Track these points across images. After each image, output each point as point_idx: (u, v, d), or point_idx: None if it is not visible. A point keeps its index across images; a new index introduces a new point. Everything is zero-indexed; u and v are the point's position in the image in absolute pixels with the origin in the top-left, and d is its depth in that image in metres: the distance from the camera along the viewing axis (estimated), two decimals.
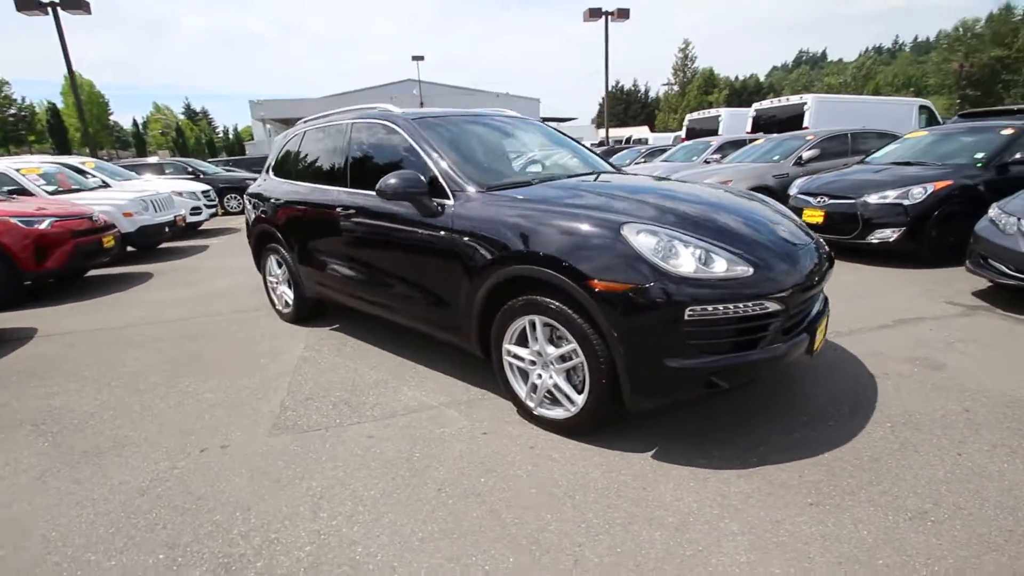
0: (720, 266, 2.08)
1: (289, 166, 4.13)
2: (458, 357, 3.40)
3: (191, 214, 9.50)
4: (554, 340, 2.39)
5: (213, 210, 10.46)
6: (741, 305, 2.02)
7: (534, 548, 1.80)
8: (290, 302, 4.28)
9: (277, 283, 4.38)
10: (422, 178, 2.76)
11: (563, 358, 2.34)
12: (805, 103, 11.63)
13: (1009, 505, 1.90)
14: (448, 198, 2.74)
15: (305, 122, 4.22)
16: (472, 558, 1.77)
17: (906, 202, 5.03)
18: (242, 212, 14.14)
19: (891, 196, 5.14)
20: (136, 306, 5.18)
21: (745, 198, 2.93)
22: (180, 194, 9.46)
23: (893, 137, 7.65)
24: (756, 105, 13.21)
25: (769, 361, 2.13)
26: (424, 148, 2.94)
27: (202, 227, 10.93)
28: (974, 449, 2.24)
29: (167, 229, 7.94)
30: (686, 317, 1.99)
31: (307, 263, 3.85)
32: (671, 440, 2.38)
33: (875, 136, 7.84)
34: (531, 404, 2.54)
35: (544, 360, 2.43)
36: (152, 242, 8.15)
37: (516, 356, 2.54)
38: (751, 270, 2.09)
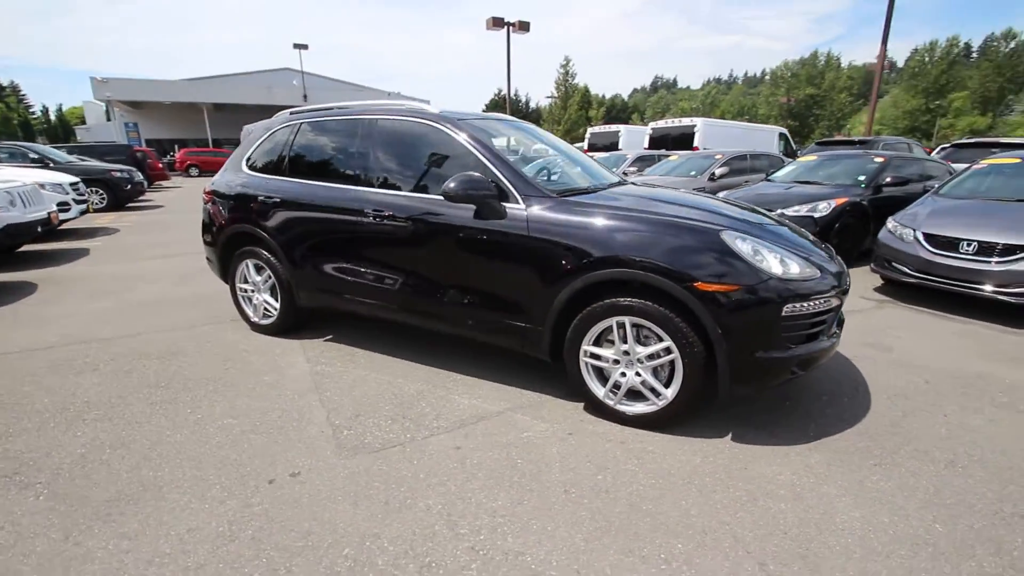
0: (795, 268, 2.40)
1: (277, 161, 3.72)
2: (492, 361, 3.38)
3: (59, 210, 7.89)
4: (640, 339, 2.54)
5: (84, 206, 8.76)
6: (818, 301, 2.36)
7: (691, 532, 1.93)
8: (273, 312, 3.85)
9: (254, 291, 3.91)
10: (491, 181, 2.74)
11: (651, 356, 2.50)
12: (695, 125, 13.16)
13: (999, 449, 2.47)
14: (516, 202, 2.74)
15: (294, 114, 3.84)
16: (644, 550, 1.84)
17: (815, 215, 6.03)
18: (108, 209, 12.13)
19: (803, 210, 6.12)
20: (45, 324, 4.24)
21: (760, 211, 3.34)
22: (43, 186, 7.81)
23: (777, 158, 9.02)
24: (652, 124, 14.71)
25: (828, 350, 2.51)
26: (482, 151, 2.90)
27: (65, 227, 9.12)
28: (951, 411, 2.85)
29: (39, 229, 6.53)
30: (784, 313, 2.27)
31: (309, 268, 3.52)
32: (738, 426, 2.66)
33: (765, 157, 9.18)
34: (610, 402, 2.65)
35: (630, 359, 2.56)
36: (15, 244, 6.65)
37: (596, 356, 2.64)
38: (818, 272, 2.44)
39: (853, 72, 64.29)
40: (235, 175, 3.94)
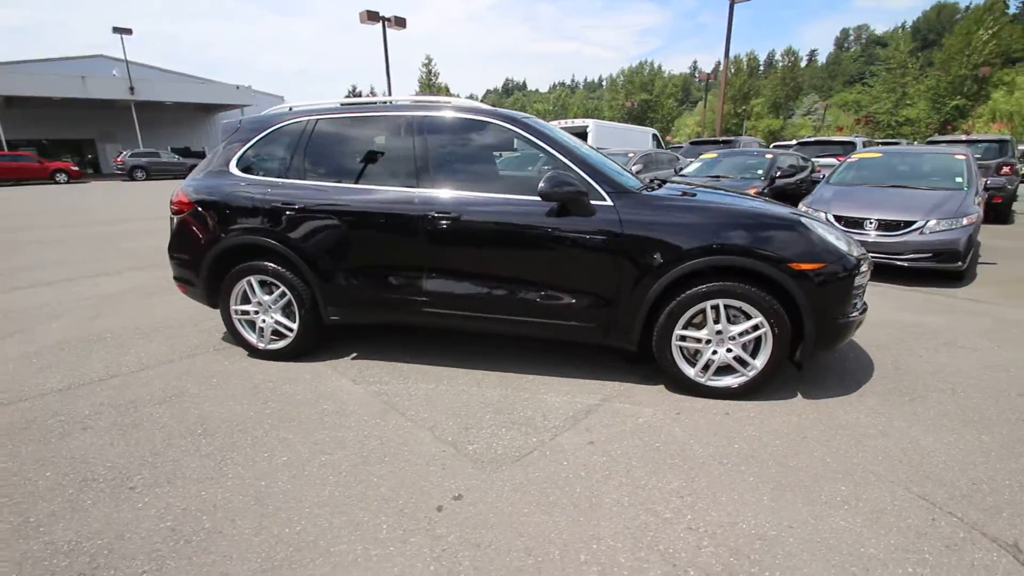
0: (844, 246, 2.85)
1: (287, 163, 3.27)
2: (544, 359, 3.41)
3: None
4: (730, 319, 2.81)
5: None
6: (864, 272, 2.85)
7: (841, 475, 2.24)
8: (287, 334, 3.40)
9: (260, 312, 3.40)
10: (578, 179, 2.79)
11: (742, 333, 2.78)
12: (588, 125, 14.13)
13: (974, 374, 3.22)
14: (602, 199, 2.83)
15: (297, 109, 3.41)
16: (822, 496, 2.10)
17: None
18: None
19: None
20: None
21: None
22: None
23: (673, 155, 10.15)
24: (552, 123, 15.44)
25: (865, 314, 3.03)
26: (559, 150, 2.93)
27: None
28: (923, 352, 3.61)
29: None
30: (855, 284, 2.70)
31: (346, 281, 3.19)
32: (798, 388, 3.07)
33: (665, 154, 10.27)
34: (701, 380, 2.89)
35: (721, 337, 2.82)
36: None
37: (690, 339, 2.85)
38: (855, 250, 2.94)
39: (676, 80, 73.90)
40: (223, 179, 3.37)
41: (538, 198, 2.88)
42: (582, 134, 14.02)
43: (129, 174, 24.89)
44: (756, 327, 2.75)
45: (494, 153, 3.09)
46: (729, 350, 2.83)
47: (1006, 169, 8.69)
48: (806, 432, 2.58)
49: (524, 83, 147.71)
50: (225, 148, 3.45)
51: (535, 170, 3.23)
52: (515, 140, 3.06)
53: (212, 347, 3.73)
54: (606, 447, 2.47)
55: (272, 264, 3.27)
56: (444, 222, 2.97)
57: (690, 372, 2.90)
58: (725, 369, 2.88)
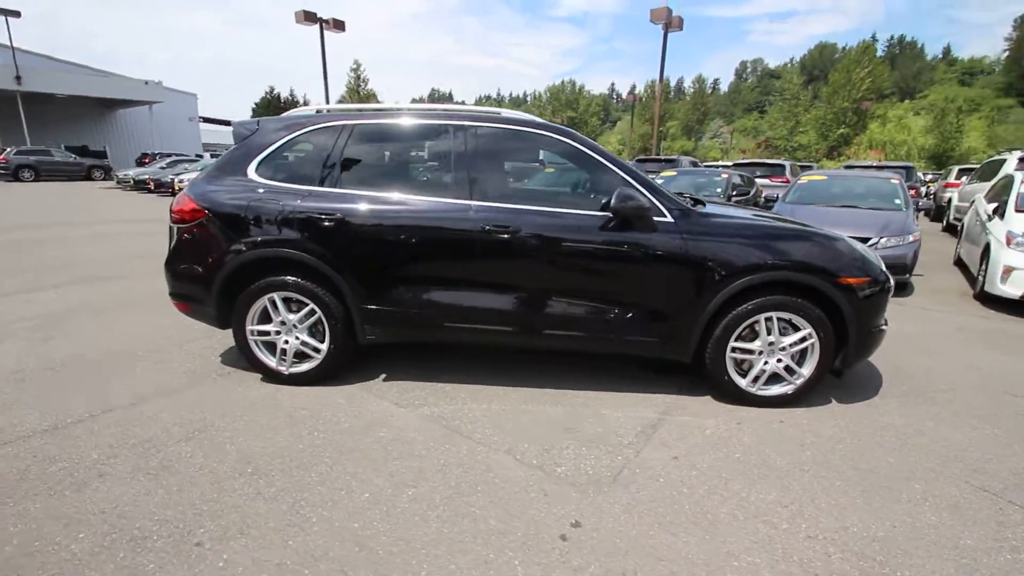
0: (879, 263, 3.09)
1: (320, 170, 3.01)
2: (585, 374, 3.38)
3: None
4: (780, 330, 2.94)
5: None
6: (892, 287, 3.11)
7: (911, 472, 2.41)
8: (315, 355, 3.10)
9: (282, 332, 3.08)
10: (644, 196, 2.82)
11: (793, 344, 2.93)
12: None
13: (978, 372, 3.62)
14: (663, 216, 2.87)
15: (327, 112, 3.15)
16: (915, 493, 2.25)
17: None
18: None
19: None
20: None
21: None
22: None
23: None
24: None
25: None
26: (619, 166, 2.94)
27: None
28: (925, 357, 4.00)
29: None
30: (888, 297, 2.95)
31: (391, 297, 2.98)
32: (824, 395, 3.26)
33: None
34: (751, 389, 3.00)
35: (772, 348, 2.95)
36: None
37: (743, 350, 2.96)
38: (883, 266, 3.20)
39: (598, 100, 77.51)
40: (242, 186, 3.03)
41: (596, 212, 2.89)
42: None
43: (14, 174, 21.69)
44: (804, 338, 2.91)
45: (539, 168, 3.04)
46: (779, 360, 2.97)
47: (912, 192, 9.96)
48: (859, 436, 2.76)
49: (450, 94, 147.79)
50: (241, 151, 3.11)
51: (578, 187, 3.22)
52: (567, 153, 3.04)
53: (215, 372, 3.33)
54: (691, 461, 2.49)
55: (300, 280, 2.98)
56: (502, 236, 2.87)
57: (742, 383, 3.00)
58: (772, 378, 3.02)
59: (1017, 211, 5.54)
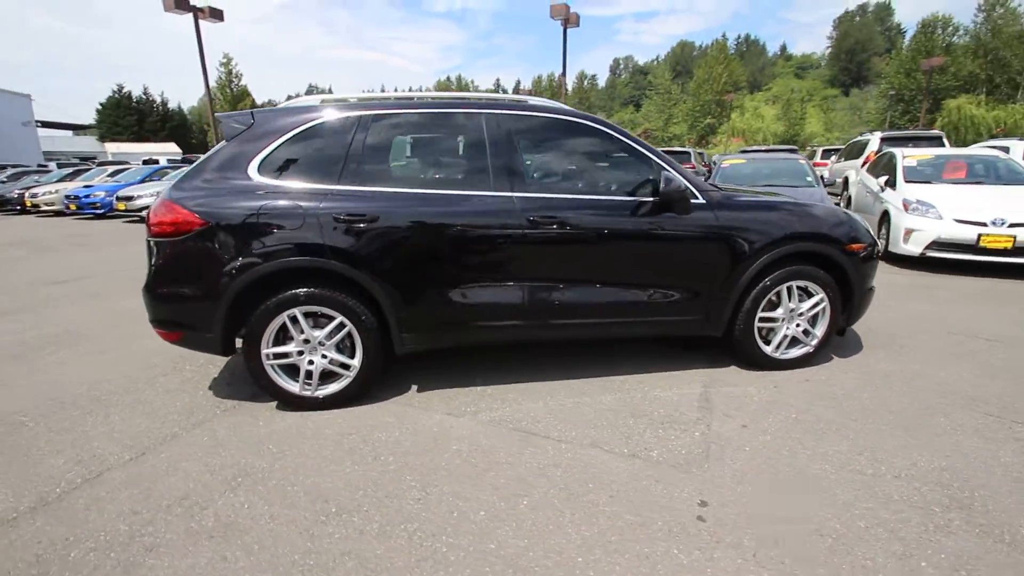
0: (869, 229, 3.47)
1: (334, 166, 2.68)
2: (610, 356, 3.42)
3: None
4: (798, 298, 3.19)
5: None
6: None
7: (936, 411, 2.75)
8: (345, 374, 2.79)
9: (306, 352, 2.72)
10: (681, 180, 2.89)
11: (810, 308, 3.19)
12: None
13: (950, 328, 4.21)
14: (697, 198, 2.97)
15: (333, 102, 2.81)
16: (947, 425, 2.57)
17: None
18: None
19: None
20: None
21: None
22: None
23: None
24: None
25: None
26: (649, 152, 2.98)
27: None
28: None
29: None
30: (877, 258, 3.33)
31: (430, 300, 2.76)
32: (824, 354, 3.60)
33: None
34: (776, 355, 3.23)
35: (792, 315, 3.19)
36: None
37: (768, 319, 3.17)
38: None
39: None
40: (243, 187, 2.61)
41: (636, 198, 2.93)
42: None
43: None
44: (818, 303, 3.19)
45: (586, 153, 3.00)
46: (798, 325, 3.23)
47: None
48: (874, 384, 3.08)
49: (330, 89, 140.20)
50: (236, 149, 2.68)
51: (612, 173, 3.21)
52: (598, 140, 3.02)
53: (215, 407, 2.86)
54: (759, 427, 2.62)
55: (326, 291, 2.66)
56: (549, 226, 2.79)
57: (768, 349, 3.22)
58: (791, 342, 3.28)
59: (907, 182, 6.54)
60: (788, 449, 2.42)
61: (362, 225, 2.63)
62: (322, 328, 2.72)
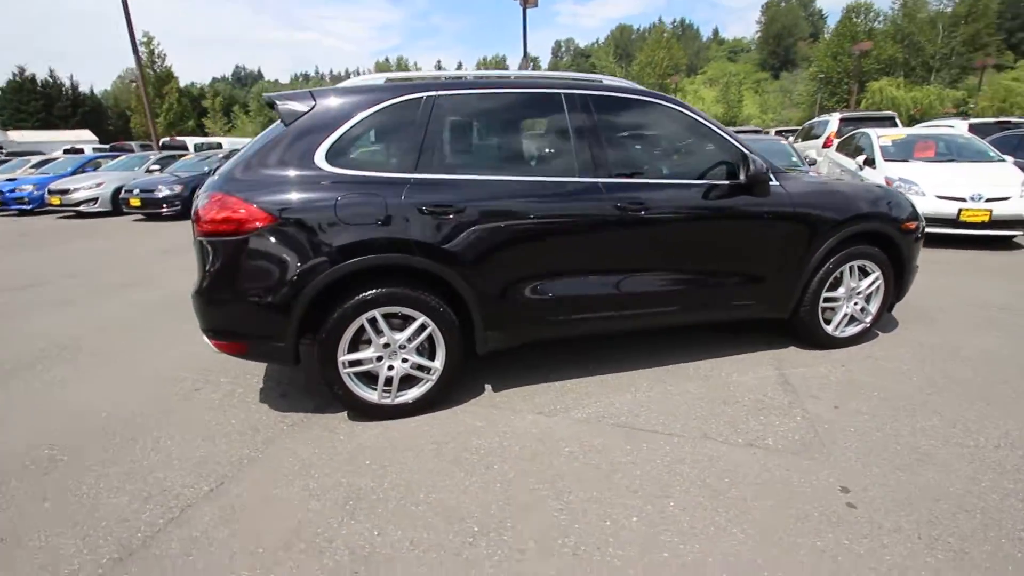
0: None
1: (410, 152, 2.42)
2: (666, 344, 3.39)
3: None
4: (853, 278, 3.26)
5: None
6: None
7: (998, 382, 2.89)
8: (424, 375, 2.58)
9: (385, 356, 2.49)
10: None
11: (868, 286, 3.27)
12: None
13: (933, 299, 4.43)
14: (771, 180, 2.94)
15: (398, 81, 2.53)
16: (1017, 390, 2.70)
17: None
18: None
19: None
20: None
21: None
22: None
23: None
24: None
25: None
26: (728, 135, 2.90)
27: None
28: None
29: None
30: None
31: (520, 294, 2.59)
32: (870, 332, 3.73)
33: None
34: (836, 333, 3.30)
35: (852, 293, 3.26)
36: None
37: (831, 299, 3.22)
38: None
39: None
40: (313, 178, 2.32)
41: (717, 182, 2.88)
42: None
43: None
44: (874, 280, 3.28)
45: (669, 135, 2.92)
46: (856, 303, 3.30)
47: None
48: (931, 358, 3.18)
49: (260, 71, 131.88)
50: (298, 136, 2.36)
51: (689, 156, 3.12)
52: (676, 122, 2.92)
53: (283, 423, 2.58)
54: (851, 408, 2.65)
55: (410, 289, 2.43)
56: (636, 213, 2.67)
57: (829, 329, 3.28)
58: (848, 321, 3.35)
59: (887, 160, 6.89)
60: (890, 428, 2.46)
61: (450, 216, 2.41)
62: (403, 331, 2.49)
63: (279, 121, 2.54)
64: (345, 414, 2.65)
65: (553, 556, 1.73)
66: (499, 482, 2.11)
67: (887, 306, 3.41)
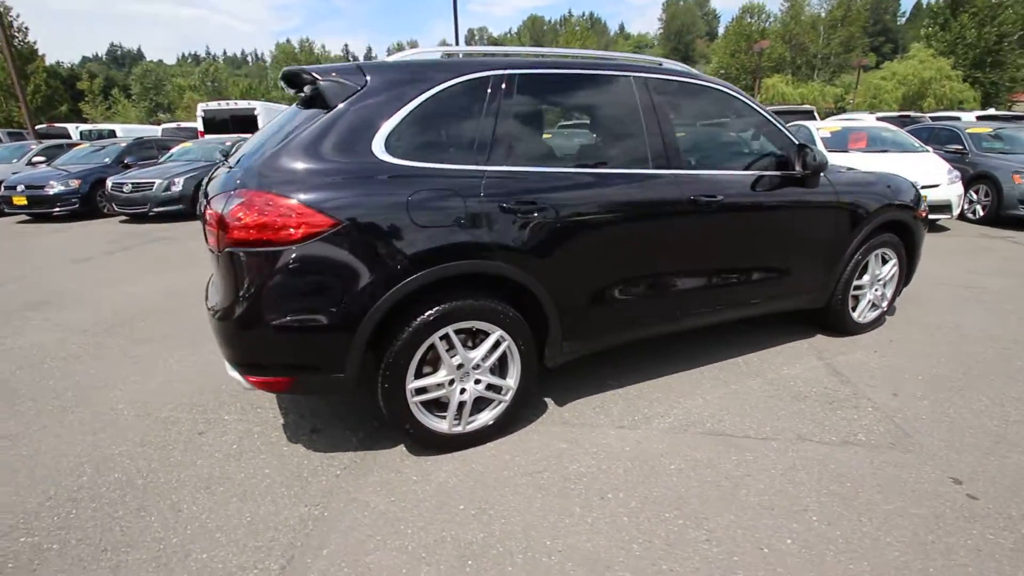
0: None
1: (477, 141, 2.07)
2: (703, 342, 3.33)
3: None
4: (877, 265, 3.36)
5: None
6: None
7: (1008, 340, 3.11)
8: (497, 396, 2.27)
9: (457, 380, 2.15)
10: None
11: (887, 272, 3.39)
12: (255, 108, 13.16)
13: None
14: None
15: (456, 57, 2.16)
16: None
17: None
18: None
19: None
20: None
21: None
22: None
23: None
24: (202, 105, 13.57)
25: None
26: (781, 124, 2.83)
27: None
28: None
29: None
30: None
31: (596, 299, 2.35)
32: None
33: None
34: (860, 319, 3.40)
35: (873, 280, 3.37)
36: None
37: (859, 287, 3.30)
38: None
39: (343, 61, 72.26)
40: (371, 168, 1.91)
41: (774, 172, 2.81)
42: (250, 118, 12.56)
43: None
44: (892, 266, 3.41)
45: (729, 123, 2.80)
46: (877, 290, 3.42)
47: None
48: (948, 339, 3.37)
49: (139, 51, 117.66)
50: (352, 119, 1.93)
51: (744, 145, 3.01)
52: (732, 109, 2.80)
53: (336, 469, 2.15)
54: (908, 393, 2.71)
55: (487, 301, 2.11)
56: (709, 207, 2.52)
57: (854, 316, 3.38)
58: (869, 307, 3.47)
59: (829, 151, 7.37)
60: (953, 411, 2.54)
61: (534, 215, 2.11)
62: (477, 349, 2.17)
63: (296, 104, 2.12)
64: (402, 448, 2.28)
65: None
66: (624, 515, 1.88)
67: (899, 291, 3.58)
